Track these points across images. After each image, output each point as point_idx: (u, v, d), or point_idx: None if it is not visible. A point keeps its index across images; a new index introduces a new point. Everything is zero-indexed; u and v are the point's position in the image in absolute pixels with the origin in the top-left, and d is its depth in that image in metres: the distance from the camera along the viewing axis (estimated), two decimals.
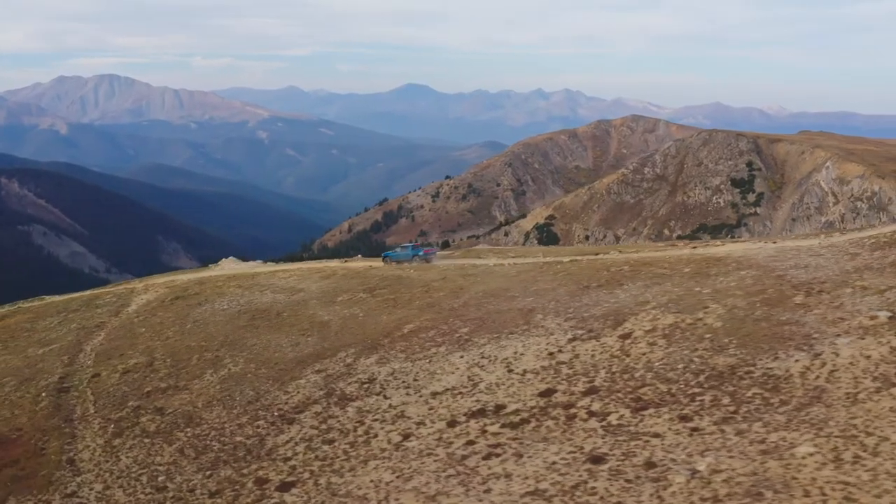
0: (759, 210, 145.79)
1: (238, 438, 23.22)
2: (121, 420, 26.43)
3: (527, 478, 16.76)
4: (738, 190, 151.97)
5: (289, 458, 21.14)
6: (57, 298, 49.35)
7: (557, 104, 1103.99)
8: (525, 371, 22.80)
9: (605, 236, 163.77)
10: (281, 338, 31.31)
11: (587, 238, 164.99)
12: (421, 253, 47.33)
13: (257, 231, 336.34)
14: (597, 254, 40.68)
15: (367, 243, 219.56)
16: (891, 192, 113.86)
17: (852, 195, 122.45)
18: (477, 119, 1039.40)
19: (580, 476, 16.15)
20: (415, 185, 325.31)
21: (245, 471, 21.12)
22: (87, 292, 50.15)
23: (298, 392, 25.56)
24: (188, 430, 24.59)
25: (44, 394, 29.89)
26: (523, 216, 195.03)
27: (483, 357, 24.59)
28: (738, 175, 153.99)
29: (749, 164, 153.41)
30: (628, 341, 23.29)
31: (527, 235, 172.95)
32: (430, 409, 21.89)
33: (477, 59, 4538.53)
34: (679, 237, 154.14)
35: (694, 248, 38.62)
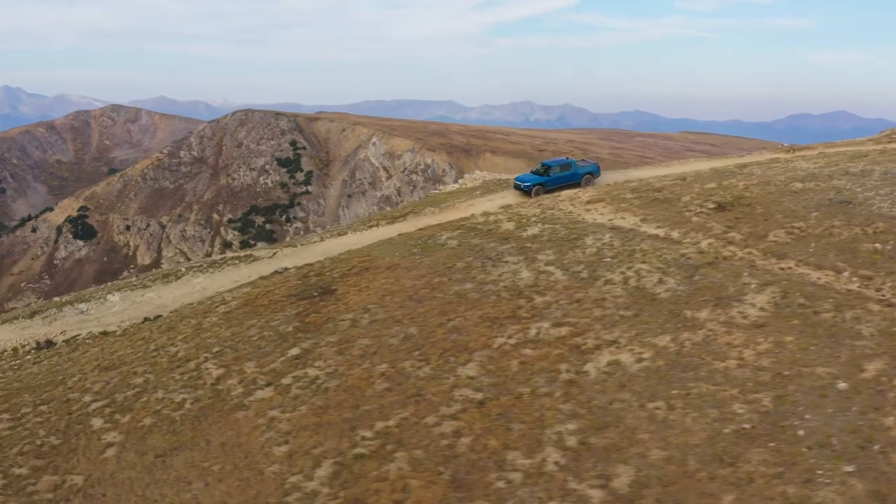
0: (310, 189, 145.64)
1: None
2: None
3: None
4: (285, 169, 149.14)
5: None
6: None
7: None
8: None
9: (148, 225, 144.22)
10: None
11: (128, 228, 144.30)
12: (595, 169, 35.37)
13: None
14: None
15: None
16: (443, 164, 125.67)
17: (405, 169, 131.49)
18: None
19: None
20: None
21: None
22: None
23: None
24: None
25: None
26: (50, 209, 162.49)
27: None
28: (283, 154, 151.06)
29: (293, 143, 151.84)
30: None
31: (59, 230, 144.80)
32: None
33: None
34: (230, 220, 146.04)
35: None
